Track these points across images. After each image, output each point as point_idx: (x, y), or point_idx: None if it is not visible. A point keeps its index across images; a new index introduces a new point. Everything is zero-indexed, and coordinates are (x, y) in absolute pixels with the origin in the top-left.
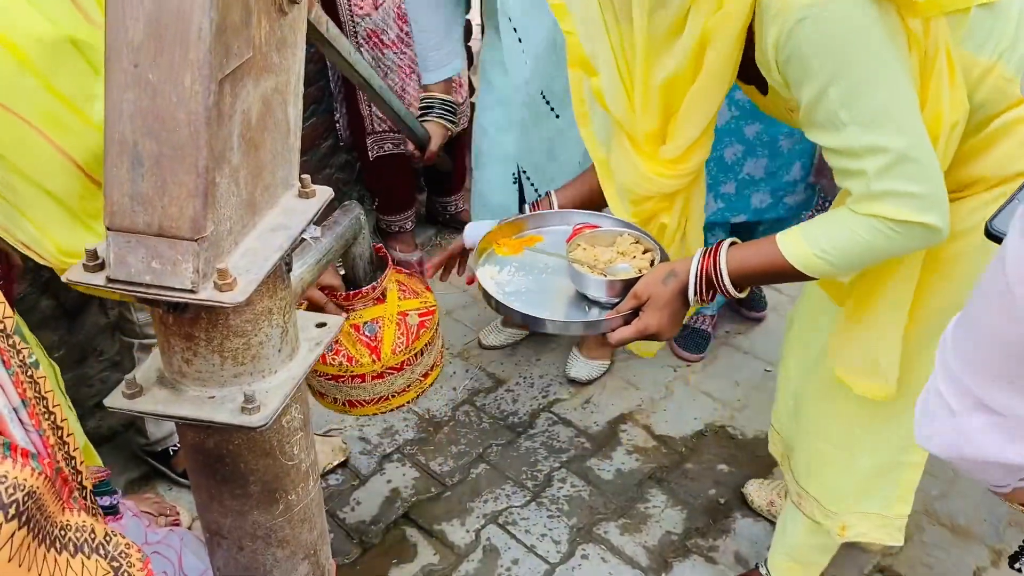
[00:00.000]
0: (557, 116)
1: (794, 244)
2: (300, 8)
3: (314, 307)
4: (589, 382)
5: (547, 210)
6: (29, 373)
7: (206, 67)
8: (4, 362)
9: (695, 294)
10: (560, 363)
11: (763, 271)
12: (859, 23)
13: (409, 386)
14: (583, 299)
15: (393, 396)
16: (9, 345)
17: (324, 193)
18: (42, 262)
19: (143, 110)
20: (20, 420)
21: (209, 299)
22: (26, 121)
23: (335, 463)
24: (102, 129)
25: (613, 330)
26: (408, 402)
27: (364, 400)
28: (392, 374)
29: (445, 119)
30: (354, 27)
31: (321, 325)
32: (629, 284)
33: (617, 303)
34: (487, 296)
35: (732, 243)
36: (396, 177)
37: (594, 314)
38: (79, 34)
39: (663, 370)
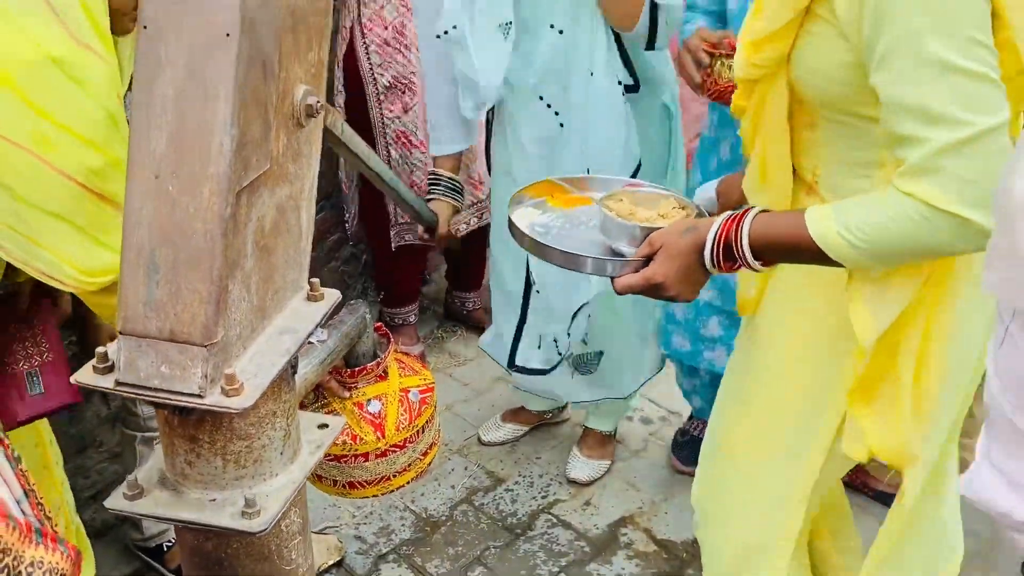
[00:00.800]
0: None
1: (821, 218)
2: (317, 120)
3: (318, 385)
4: (590, 483)
5: (601, 176)
6: (21, 468)
7: (225, 180)
8: (7, 456)
9: (711, 256)
10: (560, 462)
11: (785, 244)
12: None
13: (410, 465)
14: (610, 252)
15: (395, 476)
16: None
17: (332, 296)
18: (65, 288)
19: (161, 219)
20: (23, 511)
21: (216, 404)
22: (18, 145)
23: (330, 563)
24: (94, 144)
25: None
26: (408, 482)
27: (365, 481)
28: (395, 452)
29: (451, 197)
30: (383, 128)
31: (323, 426)
32: (644, 234)
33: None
34: (511, 225)
35: (763, 211)
36: (407, 269)
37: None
38: (62, 53)
39: (664, 471)
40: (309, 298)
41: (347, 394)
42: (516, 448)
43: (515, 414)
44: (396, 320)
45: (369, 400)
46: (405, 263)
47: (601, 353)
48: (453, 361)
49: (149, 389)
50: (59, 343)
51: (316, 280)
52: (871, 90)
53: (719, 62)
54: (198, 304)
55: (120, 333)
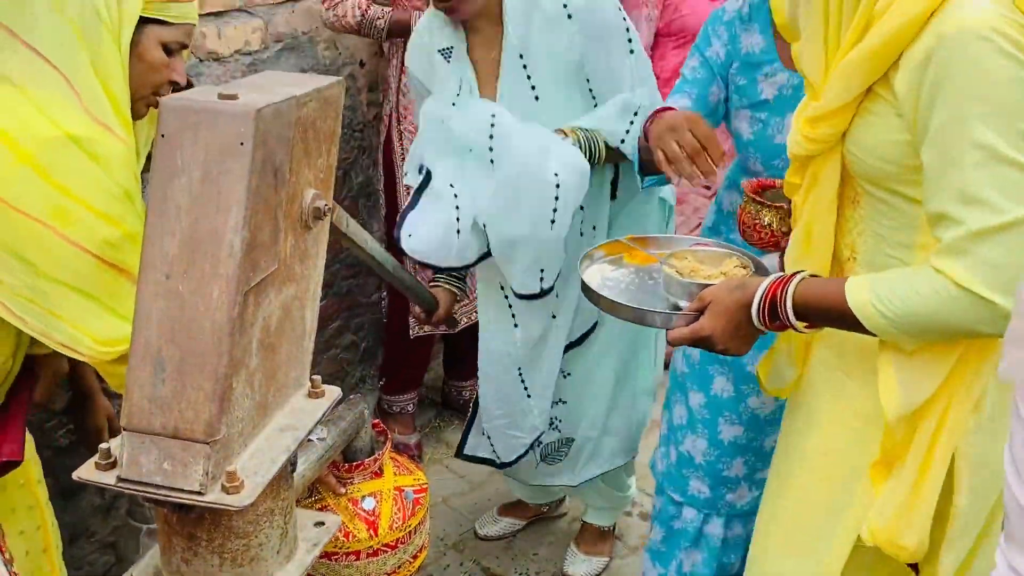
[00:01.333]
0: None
1: (859, 287)
2: (324, 222)
3: (314, 479)
4: None
5: (678, 235)
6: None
7: (234, 281)
8: (3, 560)
9: (758, 314)
10: (558, 558)
11: (826, 309)
12: None
13: (400, 566)
14: (671, 307)
15: None
16: None
17: (332, 393)
18: (81, 358)
19: (171, 318)
20: None
21: (216, 502)
22: (37, 219)
23: None
24: (110, 217)
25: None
26: None
27: None
28: (386, 552)
29: (453, 285)
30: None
31: (319, 524)
32: (698, 290)
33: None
34: (587, 288)
35: (811, 275)
36: (416, 356)
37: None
38: (81, 131)
39: None
40: (310, 395)
41: (343, 490)
42: (513, 543)
43: (512, 508)
44: (394, 408)
45: (364, 497)
46: (414, 351)
47: (571, 440)
48: (449, 452)
49: (151, 486)
50: (23, 403)
51: (317, 377)
52: (919, 170)
53: (773, 215)
54: (202, 401)
55: (124, 429)
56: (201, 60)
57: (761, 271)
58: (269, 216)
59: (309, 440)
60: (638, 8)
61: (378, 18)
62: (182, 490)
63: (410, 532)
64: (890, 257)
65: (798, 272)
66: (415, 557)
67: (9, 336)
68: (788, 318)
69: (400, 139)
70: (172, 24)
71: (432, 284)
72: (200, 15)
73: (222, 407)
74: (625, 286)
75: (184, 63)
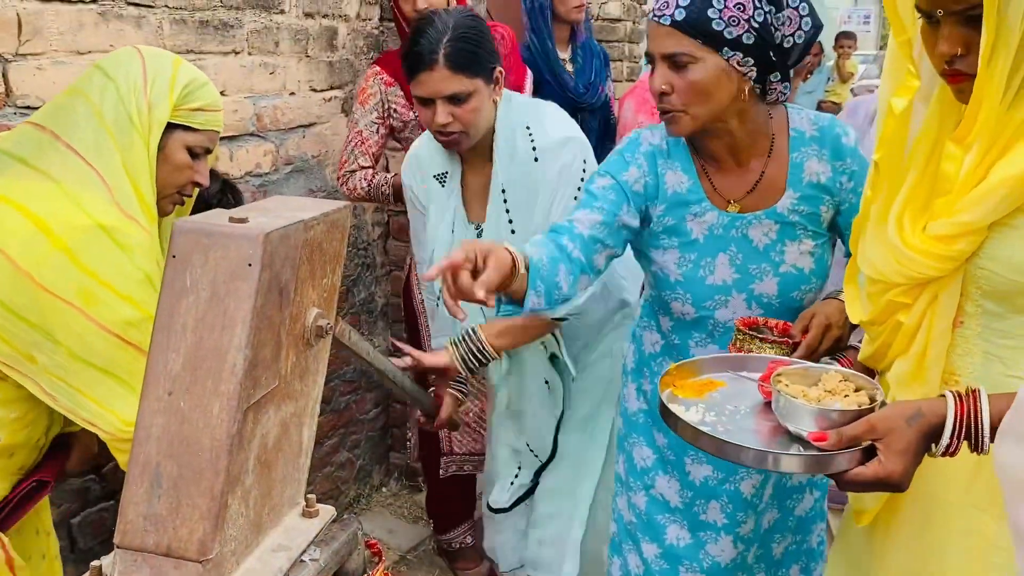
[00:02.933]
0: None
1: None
2: (325, 340)
3: None
4: None
5: (729, 355)
6: None
7: (235, 398)
8: None
9: (950, 444)
10: None
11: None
12: None
13: None
14: (787, 437)
15: None
16: None
17: (326, 513)
18: (103, 436)
19: (170, 434)
20: None
21: None
22: (68, 302)
23: None
24: (131, 299)
25: (844, 472)
26: None
27: None
28: None
29: (456, 388)
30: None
31: None
32: (847, 421)
33: (823, 447)
34: (692, 431)
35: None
36: (457, 494)
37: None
38: (110, 222)
39: None
40: (304, 514)
41: None
42: None
43: None
44: (454, 545)
45: None
46: (455, 490)
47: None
48: (444, 574)
49: None
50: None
51: (312, 496)
52: None
53: (778, 349)
54: (197, 519)
55: (117, 547)
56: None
57: (875, 385)
58: (272, 334)
59: (301, 561)
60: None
61: (383, 184)
62: None
63: None
64: (1011, 378)
65: (971, 391)
66: None
67: (43, 414)
68: (982, 442)
69: (419, 287)
70: (197, 130)
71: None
72: None
73: (216, 525)
74: (711, 427)
75: (208, 166)
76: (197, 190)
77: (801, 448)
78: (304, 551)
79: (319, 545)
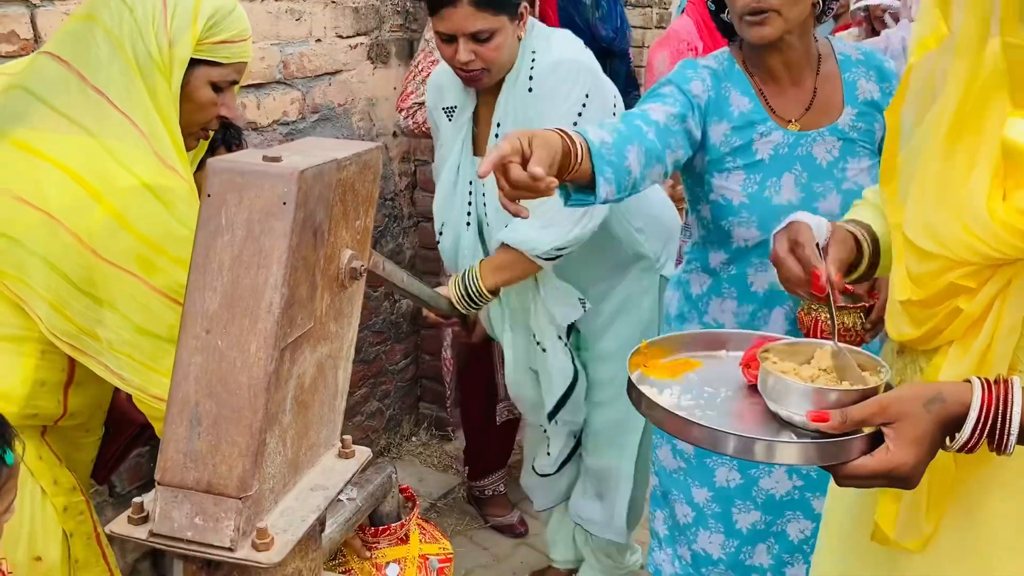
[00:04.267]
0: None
1: None
2: (359, 282)
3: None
4: None
5: (705, 331)
6: None
7: (272, 337)
8: None
9: (972, 435)
10: None
11: None
12: None
13: None
14: (776, 423)
15: None
16: None
17: (363, 454)
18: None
19: (208, 373)
20: None
21: (246, 559)
22: (126, 270)
23: None
24: (182, 261)
25: (845, 462)
26: None
27: None
28: None
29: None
30: None
31: None
32: (850, 403)
33: (818, 433)
34: (668, 415)
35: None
36: (502, 439)
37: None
38: (152, 177)
39: None
40: (340, 455)
41: (368, 554)
42: None
43: (539, 574)
44: (487, 492)
45: (388, 563)
46: (494, 438)
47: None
48: (474, 524)
49: (182, 541)
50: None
51: (348, 437)
52: None
53: (856, 316)
54: (236, 456)
55: (158, 484)
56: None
57: (881, 363)
58: (307, 274)
59: (339, 500)
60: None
61: None
62: (212, 545)
63: None
64: None
65: (1004, 379)
66: None
67: (97, 394)
68: (1007, 437)
69: None
70: (223, 64)
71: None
72: (242, 86)
73: (255, 462)
74: (701, 413)
75: (235, 97)
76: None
77: (794, 436)
78: (340, 491)
79: (355, 486)
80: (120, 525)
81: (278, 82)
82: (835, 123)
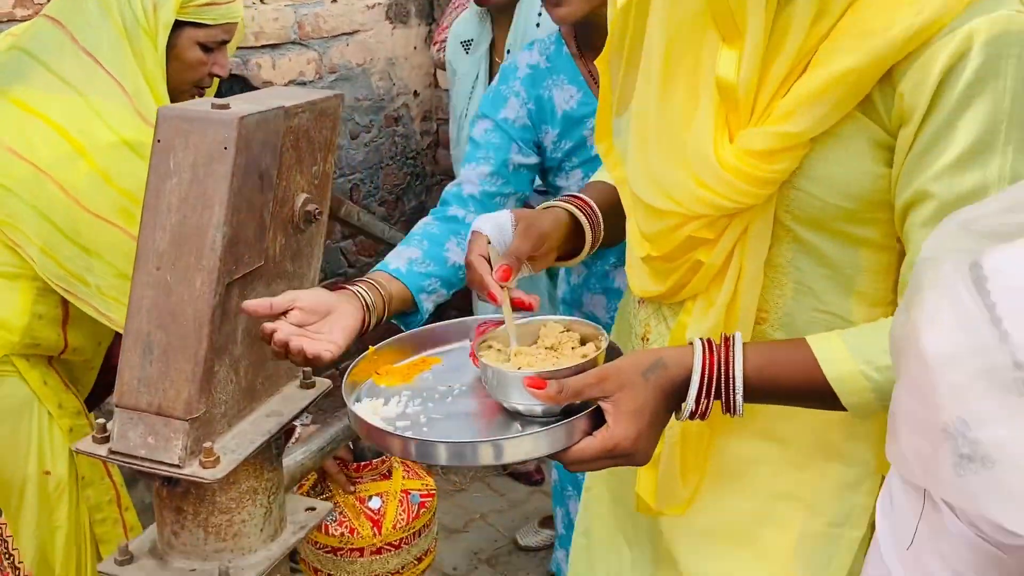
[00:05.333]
0: None
1: (833, 355)
2: (318, 224)
3: (324, 474)
4: None
5: (438, 324)
6: None
7: (215, 272)
8: None
9: (697, 399)
10: None
11: (788, 385)
12: None
13: (403, 568)
14: (516, 418)
15: None
16: None
17: (323, 384)
18: None
19: (159, 306)
20: None
21: (192, 475)
22: (110, 222)
23: None
24: None
25: (567, 448)
26: None
27: None
28: (389, 551)
29: None
30: None
31: (310, 509)
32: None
33: (557, 415)
34: (371, 430)
35: (741, 340)
36: None
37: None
38: (133, 135)
39: None
40: (302, 385)
41: (352, 488)
42: (547, 559)
43: (552, 520)
44: None
45: (371, 496)
46: None
47: None
48: (492, 471)
49: (136, 458)
50: None
51: (309, 369)
52: (883, 207)
53: None
54: (183, 382)
55: (116, 406)
56: (257, 88)
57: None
58: (254, 216)
59: (293, 425)
60: None
61: None
62: (163, 463)
63: (414, 534)
64: (819, 313)
65: (729, 337)
66: (419, 560)
67: (94, 332)
68: (734, 400)
69: None
70: (209, 26)
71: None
72: (256, 47)
73: (201, 388)
74: (427, 420)
75: (226, 55)
76: (217, 80)
77: (520, 427)
78: (296, 417)
79: (333, 422)
80: (85, 443)
81: (293, 42)
82: None
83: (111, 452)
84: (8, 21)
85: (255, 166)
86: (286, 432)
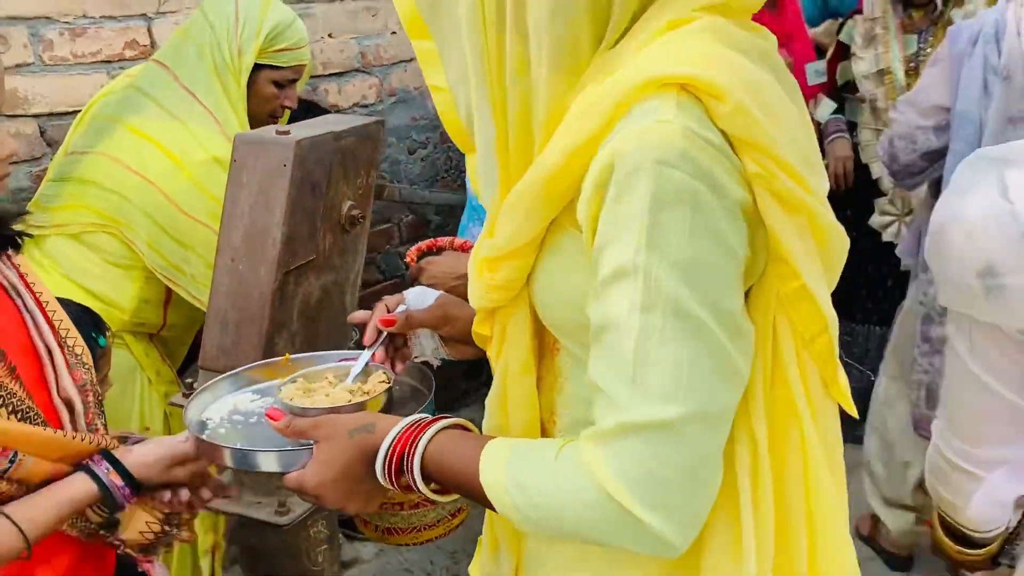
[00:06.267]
0: None
1: (495, 462)
2: (362, 226)
3: None
4: None
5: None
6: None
7: (275, 263)
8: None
9: (383, 471)
10: None
11: (457, 479)
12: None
13: (439, 521)
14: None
15: (425, 529)
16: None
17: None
18: None
19: (233, 290)
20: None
21: None
22: (201, 222)
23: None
24: None
25: (285, 472)
26: (436, 537)
27: (400, 529)
28: (426, 506)
29: None
30: None
31: None
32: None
33: (275, 427)
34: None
35: (457, 424)
36: None
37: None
38: (222, 153)
39: None
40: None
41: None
42: None
43: None
44: None
45: None
46: None
47: None
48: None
49: None
50: None
51: (353, 344)
52: None
53: None
54: (250, 349)
55: (200, 368)
56: (326, 111)
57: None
58: (307, 219)
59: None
60: None
61: None
62: None
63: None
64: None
65: (441, 418)
66: (454, 515)
67: (189, 314)
68: (415, 481)
69: None
70: (282, 68)
71: None
72: (324, 75)
73: (264, 354)
74: (242, 419)
75: (295, 91)
76: (288, 110)
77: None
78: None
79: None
80: (177, 397)
81: (356, 70)
82: None
83: None
84: (119, 60)
85: (309, 179)
86: None
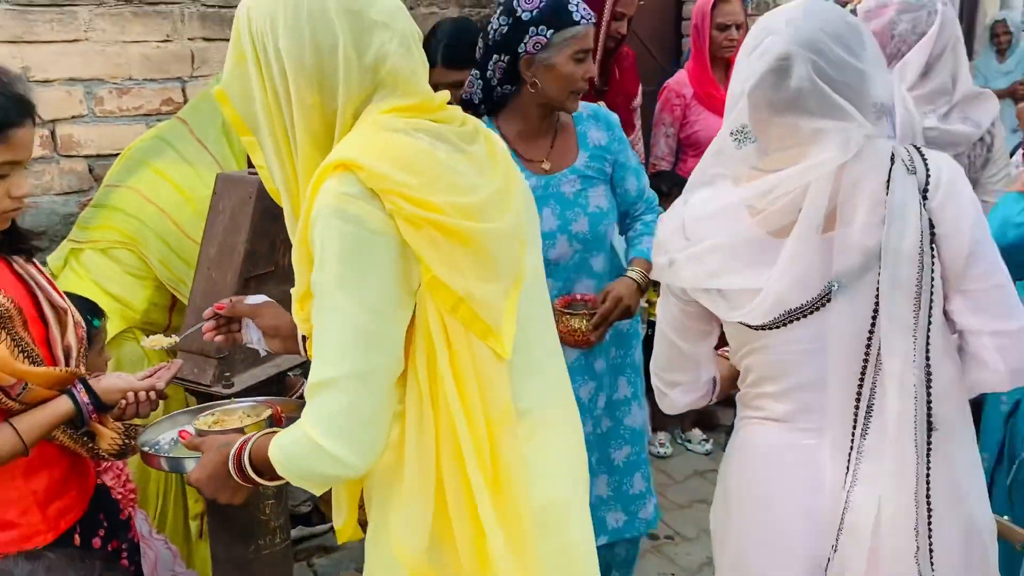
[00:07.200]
0: None
1: (274, 441)
2: None
3: None
4: None
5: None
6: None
7: (239, 271)
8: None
9: (233, 468)
10: None
11: (266, 462)
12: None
13: None
14: None
15: None
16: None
17: None
18: None
19: (206, 292)
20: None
21: (218, 391)
22: (197, 242)
23: None
24: None
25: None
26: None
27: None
28: None
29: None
30: None
31: None
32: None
33: (184, 443)
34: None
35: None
36: None
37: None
38: None
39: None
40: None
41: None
42: None
43: None
44: None
45: None
46: None
47: None
48: None
49: (187, 380)
50: None
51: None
52: None
53: (581, 320)
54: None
55: (179, 349)
56: None
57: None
58: (267, 239)
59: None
60: (656, 127)
61: None
62: (200, 383)
63: None
64: None
65: (256, 433)
66: None
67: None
68: (247, 471)
69: None
70: None
71: None
72: None
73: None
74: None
75: None
76: None
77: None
78: (290, 369)
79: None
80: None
81: None
82: (574, 164)
83: (177, 379)
84: (157, 114)
85: (270, 210)
86: (290, 386)
